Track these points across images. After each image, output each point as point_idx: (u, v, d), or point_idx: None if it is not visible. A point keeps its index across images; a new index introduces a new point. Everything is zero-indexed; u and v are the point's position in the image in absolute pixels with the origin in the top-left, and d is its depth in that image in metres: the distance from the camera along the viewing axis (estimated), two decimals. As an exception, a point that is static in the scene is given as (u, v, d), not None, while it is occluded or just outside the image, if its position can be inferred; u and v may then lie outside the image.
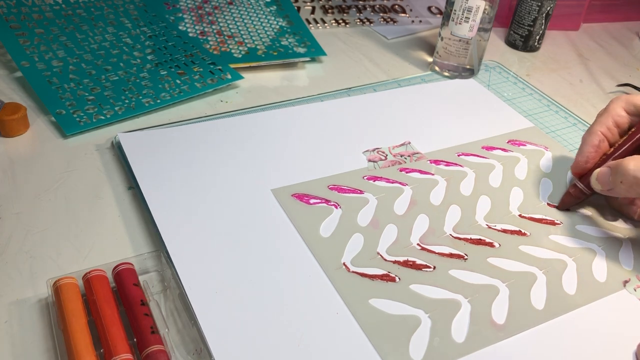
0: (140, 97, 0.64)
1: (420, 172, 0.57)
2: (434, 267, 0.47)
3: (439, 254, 0.48)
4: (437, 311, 0.43)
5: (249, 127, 0.61)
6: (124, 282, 0.42)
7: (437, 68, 0.76)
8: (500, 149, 0.61)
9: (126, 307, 0.41)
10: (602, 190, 0.51)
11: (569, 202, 0.55)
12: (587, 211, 0.55)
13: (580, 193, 0.54)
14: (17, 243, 0.47)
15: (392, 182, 0.55)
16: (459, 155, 0.60)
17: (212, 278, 0.44)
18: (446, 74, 0.75)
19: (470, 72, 0.75)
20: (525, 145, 0.62)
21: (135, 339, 0.39)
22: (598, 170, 0.51)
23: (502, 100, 0.71)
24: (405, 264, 0.47)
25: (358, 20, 0.88)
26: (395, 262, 0.47)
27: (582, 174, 0.54)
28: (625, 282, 0.48)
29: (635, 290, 0.47)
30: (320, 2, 0.92)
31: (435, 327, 0.42)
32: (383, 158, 0.58)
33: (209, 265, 0.45)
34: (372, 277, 0.46)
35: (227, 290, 0.43)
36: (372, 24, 0.88)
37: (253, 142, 0.59)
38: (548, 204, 0.55)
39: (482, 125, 0.65)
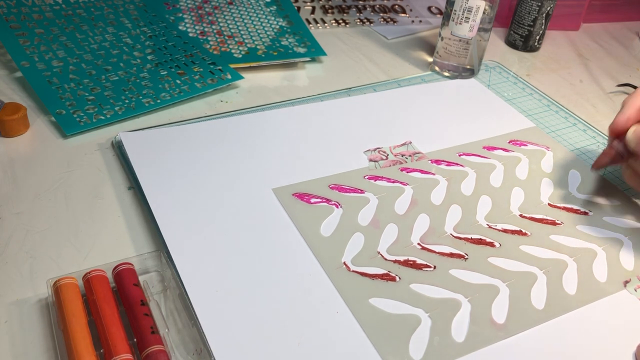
0: (140, 97, 0.64)
1: (421, 171, 0.57)
2: (435, 267, 0.47)
3: (439, 253, 0.48)
4: (437, 311, 0.43)
5: (250, 127, 0.61)
6: (124, 282, 0.42)
7: (437, 68, 0.76)
8: (501, 149, 0.61)
9: (126, 307, 0.41)
10: (637, 147, 0.50)
11: (604, 163, 0.54)
12: (589, 211, 0.55)
13: (616, 153, 0.53)
14: (17, 243, 0.47)
15: (393, 182, 0.55)
16: (460, 155, 0.60)
17: (212, 277, 0.44)
18: (446, 74, 0.75)
19: (470, 72, 0.75)
20: (526, 145, 0.62)
21: (135, 339, 0.39)
22: (636, 125, 0.51)
23: (503, 100, 0.71)
24: (406, 263, 0.47)
25: (358, 20, 0.88)
26: (395, 261, 0.47)
27: (619, 135, 0.53)
28: (626, 282, 0.48)
29: (635, 290, 0.47)
30: (320, 2, 0.93)
31: (435, 327, 0.42)
32: (384, 158, 0.58)
33: (209, 264, 0.45)
34: (373, 276, 0.46)
35: (227, 289, 0.43)
36: (372, 24, 0.88)
37: (254, 142, 0.59)
38: (549, 204, 0.55)
39: (483, 125, 0.65)
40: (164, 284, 0.45)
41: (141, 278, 0.43)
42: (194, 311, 0.41)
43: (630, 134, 0.51)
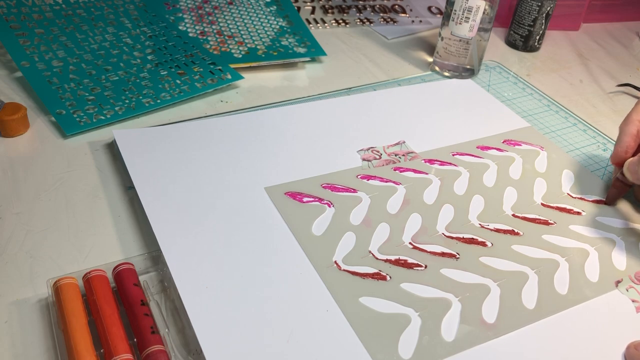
0: (141, 97, 0.64)
1: (415, 171, 0.57)
2: (426, 266, 0.47)
3: (430, 252, 0.49)
4: (427, 310, 0.44)
5: (243, 126, 0.61)
6: (124, 282, 0.42)
7: (437, 68, 0.76)
8: (495, 148, 0.62)
9: (126, 307, 0.41)
10: (633, 179, 0.50)
11: (615, 196, 0.55)
12: (582, 211, 0.55)
13: (624, 185, 0.54)
14: (17, 243, 0.47)
15: (386, 181, 0.55)
16: (453, 155, 0.60)
17: (204, 275, 0.44)
18: (446, 74, 0.75)
19: (470, 72, 0.75)
20: (520, 145, 0.63)
21: (135, 339, 0.39)
22: (629, 160, 0.51)
23: (499, 100, 0.71)
24: (397, 262, 0.47)
25: (358, 20, 0.89)
26: (386, 260, 0.47)
27: (622, 165, 0.54)
28: (618, 282, 0.48)
29: (627, 290, 0.48)
30: (320, 2, 0.93)
31: (425, 326, 0.43)
32: (377, 157, 0.58)
33: (201, 262, 0.45)
34: (363, 275, 0.46)
35: (219, 286, 0.44)
36: (372, 24, 0.88)
37: (247, 141, 0.59)
38: (542, 204, 0.55)
39: (478, 125, 0.65)
40: (164, 284, 0.45)
41: (141, 278, 0.44)
42: (184, 306, 0.41)
43: (625, 170, 0.52)
